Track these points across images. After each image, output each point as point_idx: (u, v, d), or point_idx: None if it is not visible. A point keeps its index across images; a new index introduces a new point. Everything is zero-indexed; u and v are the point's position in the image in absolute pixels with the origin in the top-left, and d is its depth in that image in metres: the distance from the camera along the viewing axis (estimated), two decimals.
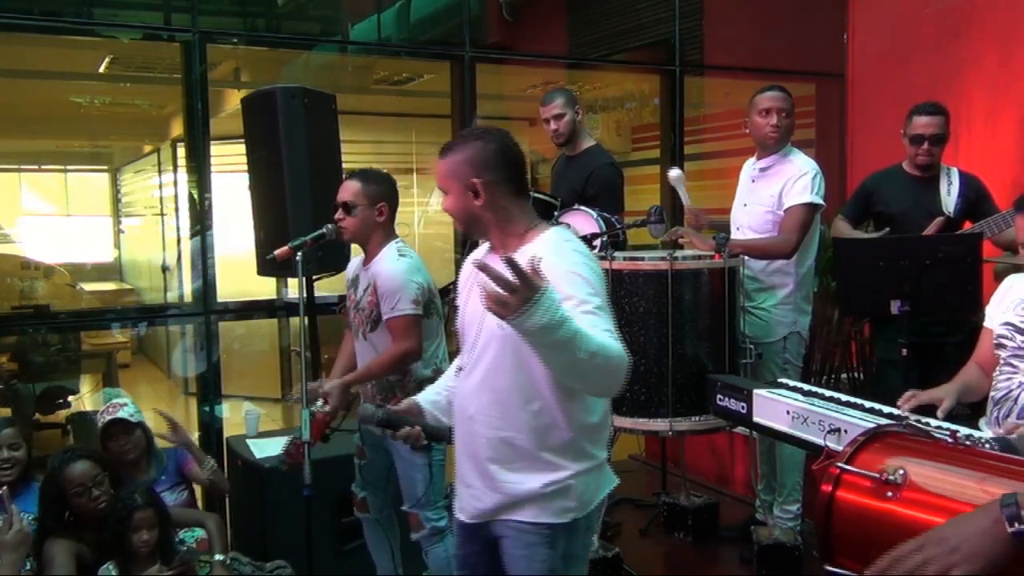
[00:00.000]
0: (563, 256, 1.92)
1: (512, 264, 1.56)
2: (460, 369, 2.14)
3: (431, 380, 3.01)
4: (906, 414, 2.27)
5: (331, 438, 3.76)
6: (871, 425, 2.16)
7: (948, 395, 2.36)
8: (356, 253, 3.28)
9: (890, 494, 1.52)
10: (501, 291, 1.56)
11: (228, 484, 3.51)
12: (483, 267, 1.58)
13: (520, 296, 1.56)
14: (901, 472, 1.52)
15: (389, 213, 3.03)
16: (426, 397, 2.22)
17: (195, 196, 4.00)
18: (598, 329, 1.76)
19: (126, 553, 2.76)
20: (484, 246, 2.19)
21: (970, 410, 2.71)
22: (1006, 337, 2.45)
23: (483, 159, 2.00)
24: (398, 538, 3.29)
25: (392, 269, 2.94)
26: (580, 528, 2.05)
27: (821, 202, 3.42)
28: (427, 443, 2.92)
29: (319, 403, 2.90)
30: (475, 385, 2.05)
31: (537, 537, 2.01)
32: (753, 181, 3.59)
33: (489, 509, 2.06)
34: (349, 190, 2.99)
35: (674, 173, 3.71)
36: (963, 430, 2.06)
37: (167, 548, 2.85)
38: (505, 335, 1.88)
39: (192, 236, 4.05)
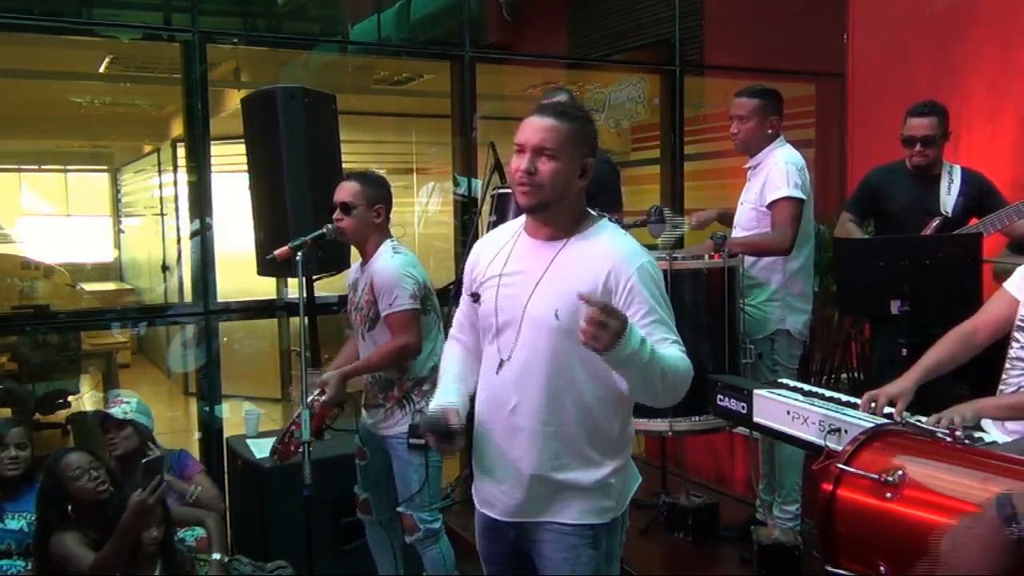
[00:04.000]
0: (629, 258, 1.91)
1: (598, 302, 1.66)
2: (501, 363, 2.00)
3: (428, 379, 3.03)
4: (905, 413, 2.27)
5: (326, 435, 3.77)
6: (871, 425, 2.16)
7: (903, 394, 2.26)
8: (358, 257, 3.29)
9: (889, 495, 1.52)
10: (594, 327, 1.65)
11: (219, 502, 3.41)
12: (586, 299, 1.67)
13: (612, 331, 1.65)
14: (899, 473, 1.52)
15: (385, 215, 3.06)
16: (450, 400, 2.03)
17: (197, 191, 3.99)
18: (666, 342, 1.86)
19: (132, 550, 2.75)
20: (507, 225, 2.11)
21: (970, 392, 2.67)
22: None
23: (594, 144, 1.98)
24: (400, 539, 3.29)
25: (388, 266, 2.97)
26: (618, 525, 2.05)
27: (800, 195, 3.35)
28: (423, 443, 2.94)
29: (315, 392, 2.91)
30: (518, 376, 1.96)
31: (580, 539, 1.97)
32: (748, 180, 3.60)
33: (523, 506, 1.99)
34: (348, 191, 3.00)
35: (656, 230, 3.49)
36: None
37: (168, 547, 2.85)
38: (561, 326, 1.88)
39: (192, 236, 4.04)
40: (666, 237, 3.33)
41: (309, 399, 2.84)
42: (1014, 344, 2.30)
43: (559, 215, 1.95)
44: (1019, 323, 2.27)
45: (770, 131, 3.50)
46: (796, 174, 3.36)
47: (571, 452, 1.95)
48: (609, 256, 1.90)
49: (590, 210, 2.03)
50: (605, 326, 1.65)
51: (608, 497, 1.99)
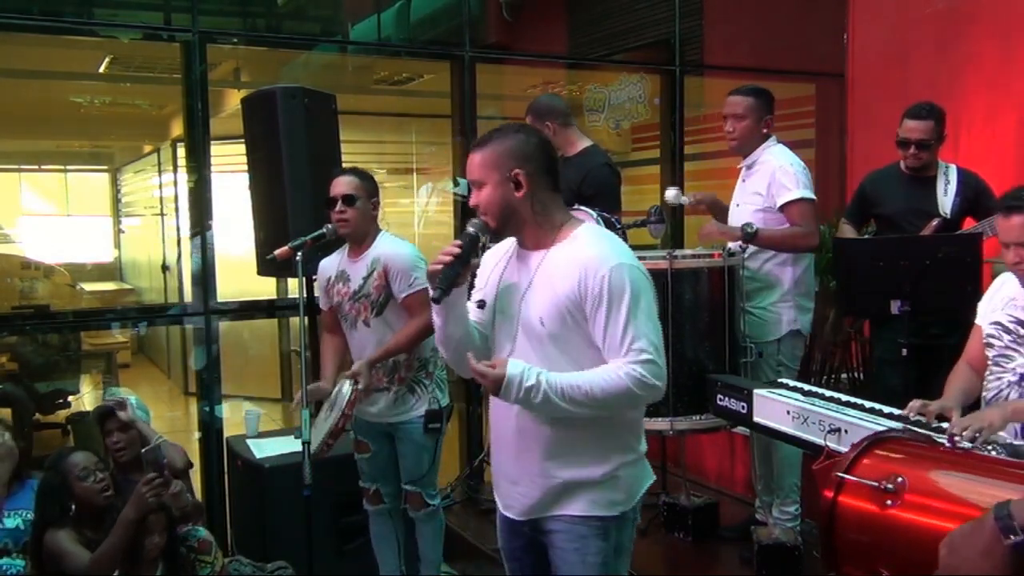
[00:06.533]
0: (601, 263, 1.92)
1: (475, 366, 1.89)
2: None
3: (433, 361, 3.11)
4: (907, 414, 2.27)
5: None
6: (871, 425, 2.16)
7: (955, 408, 2.31)
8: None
9: (890, 502, 1.52)
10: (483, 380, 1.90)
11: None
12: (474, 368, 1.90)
13: (491, 380, 1.88)
14: (899, 480, 1.52)
15: (378, 208, 3.15)
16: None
17: (197, 191, 3.99)
18: (622, 349, 1.90)
19: (134, 555, 2.75)
20: (506, 242, 2.15)
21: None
22: (994, 336, 2.45)
23: (526, 151, 1.99)
24: (403, 533, 3.30)
25: (402, 250, 3.06)
26: (628, 520, 2.09)
27: (812, 195, 3.38)
28: (437, 426, 3.05)
29: (349, 383, 2.93)
30: None
31: (589, 530, 2.03)
32: (743, 181, 3.59)
33: (539, 504, 2.06)
34: (349, 184, 3.05)
35: (671, 194, 3.68)
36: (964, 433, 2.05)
37: (172, 550, 2.86)
38: (547, 331, 1.97)
39: (192, 236, 4.04)
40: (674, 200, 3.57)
41: (349, 394, 2.87)
42: (987, 357, 2.47)
43: (523, 230, 2.02)
44: (985, 340, 2.47)
45: (765, 130, 3.50)
46: (803, 174, 3.39)
47: (577, 448, 2.01)
48: (582, 262, 1.94)
49: (581, 213, 2.12)
50: (484, 376, 1.88)
51: (616, 490, 2.04)
